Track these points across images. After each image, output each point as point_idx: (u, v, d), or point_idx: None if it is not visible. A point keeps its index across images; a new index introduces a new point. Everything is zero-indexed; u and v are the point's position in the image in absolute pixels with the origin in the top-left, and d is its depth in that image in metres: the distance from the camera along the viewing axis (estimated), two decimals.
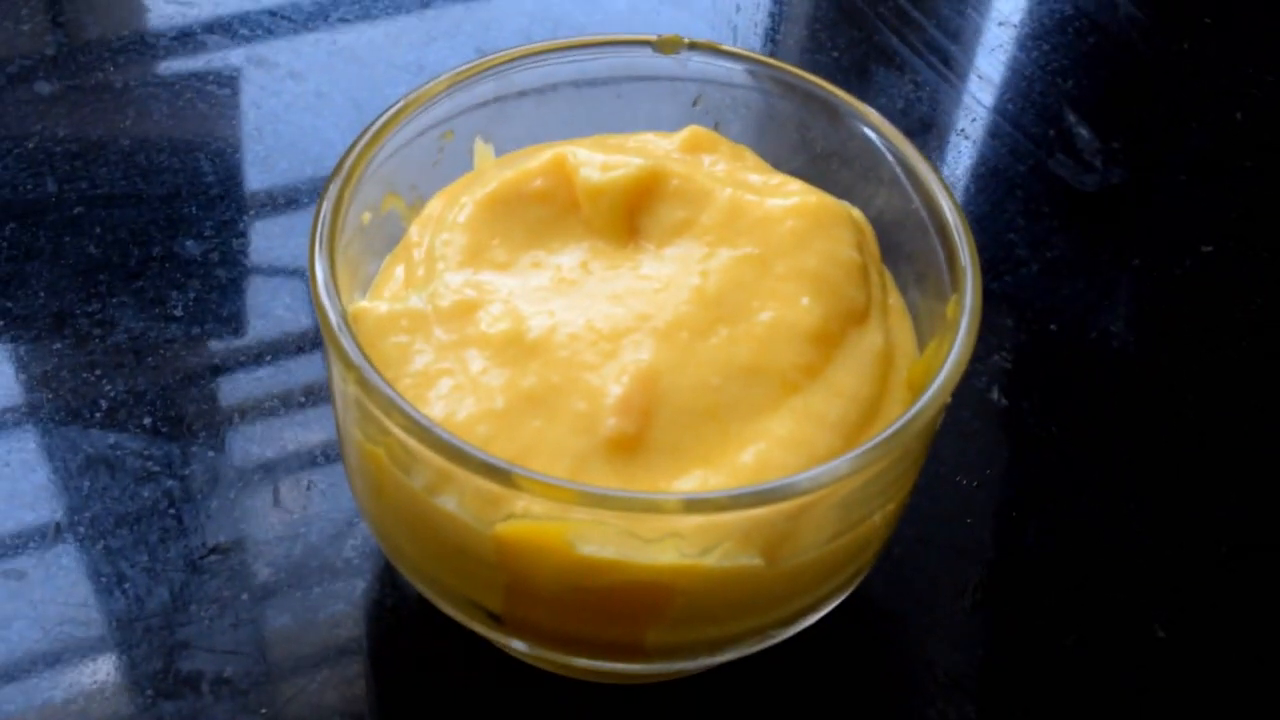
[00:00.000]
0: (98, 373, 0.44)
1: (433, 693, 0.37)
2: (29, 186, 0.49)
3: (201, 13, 0.56)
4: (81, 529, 0.40)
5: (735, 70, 0.39)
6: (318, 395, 0.44)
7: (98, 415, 0.42)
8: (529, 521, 0.29)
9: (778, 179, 0.36)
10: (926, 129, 0.55)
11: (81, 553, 0.39)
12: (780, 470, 0.30)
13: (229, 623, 0.38)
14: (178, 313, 0.45)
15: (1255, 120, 0.56)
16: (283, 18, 0.57)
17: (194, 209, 0.49)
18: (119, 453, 0.41)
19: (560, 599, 0.31)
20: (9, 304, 0.45)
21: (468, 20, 0.58)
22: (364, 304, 0.33)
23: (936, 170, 0.35)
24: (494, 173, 0.36)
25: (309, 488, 0.41)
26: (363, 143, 0.34)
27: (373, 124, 0.35)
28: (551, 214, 0.35)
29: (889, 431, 0.29)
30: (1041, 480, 0.43)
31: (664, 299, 0.33)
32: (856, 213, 0.36)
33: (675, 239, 0.34)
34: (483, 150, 0.38)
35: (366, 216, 0.35)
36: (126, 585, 0.39)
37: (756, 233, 0.34)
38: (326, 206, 0.33)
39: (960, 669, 0.39)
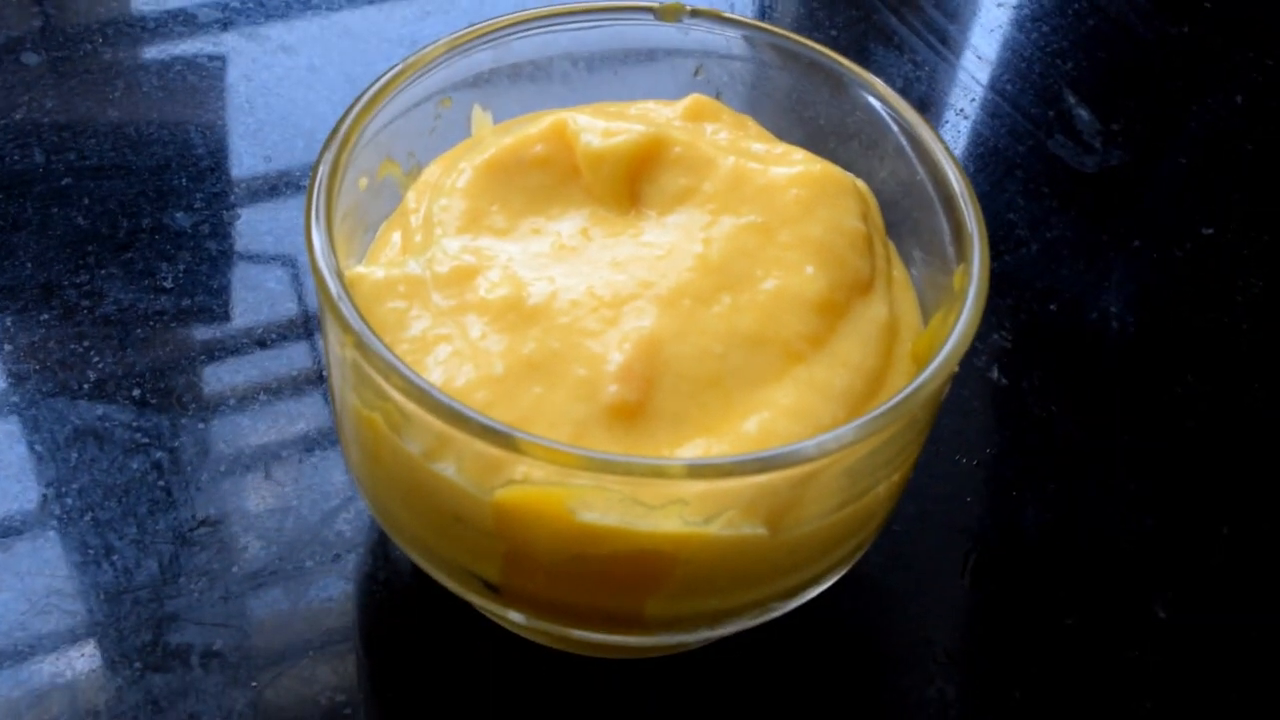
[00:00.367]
0: (86, 344, 0.43)
1: (424, 667, 0.37)
2: (16, 158, 0.48)
3: None
4: (69, 501, 0.39)
5: (736, 40, 0.38)
6: (309, 368, 0.43)
7: (86, 387, 0.42)
8: (529, 487, 0.28)
9: (781, 148, 0.36)
10: (925, 108, 0.54)
11: (69, 525, 0.39)
12: (784, 439, 0.30)
13: (219, 595, 0.37)
14: (167, 285, 0.45)
15: (1255, 103, 0.56)
16: None
17: (184, 181, 0.48)
18: (107, 424, 0.41)
19: (559, 568, 0.30)
20: None
21: None
22: (361, 269, 0.33)
23: (942, 140, 0.35)
24: (493, 139, 0.35)
25: (300, 461, 0.41)
26: (358, 108, 0.34)
27: (369, 89, 0.34)
28: (551, 180, 0.34)
29: (896, 399, 0.29)
30: (1041, 459, 0.43)
31: (666, 266, 0.32)
32: (861, 183, 0.36)
33: (677, 206, 0.34)
34: (481, 117, 0.38)
35: (363, 182, 0.35)
36: (115, 557, 0.38)
37: (760, 201, 0.33)
38: (323, 171, 0.32)
39: (959, 647, 0.38)
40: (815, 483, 0.29)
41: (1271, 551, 0.41)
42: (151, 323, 0.44)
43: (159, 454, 0.40)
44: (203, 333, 0.44)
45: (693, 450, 0.30)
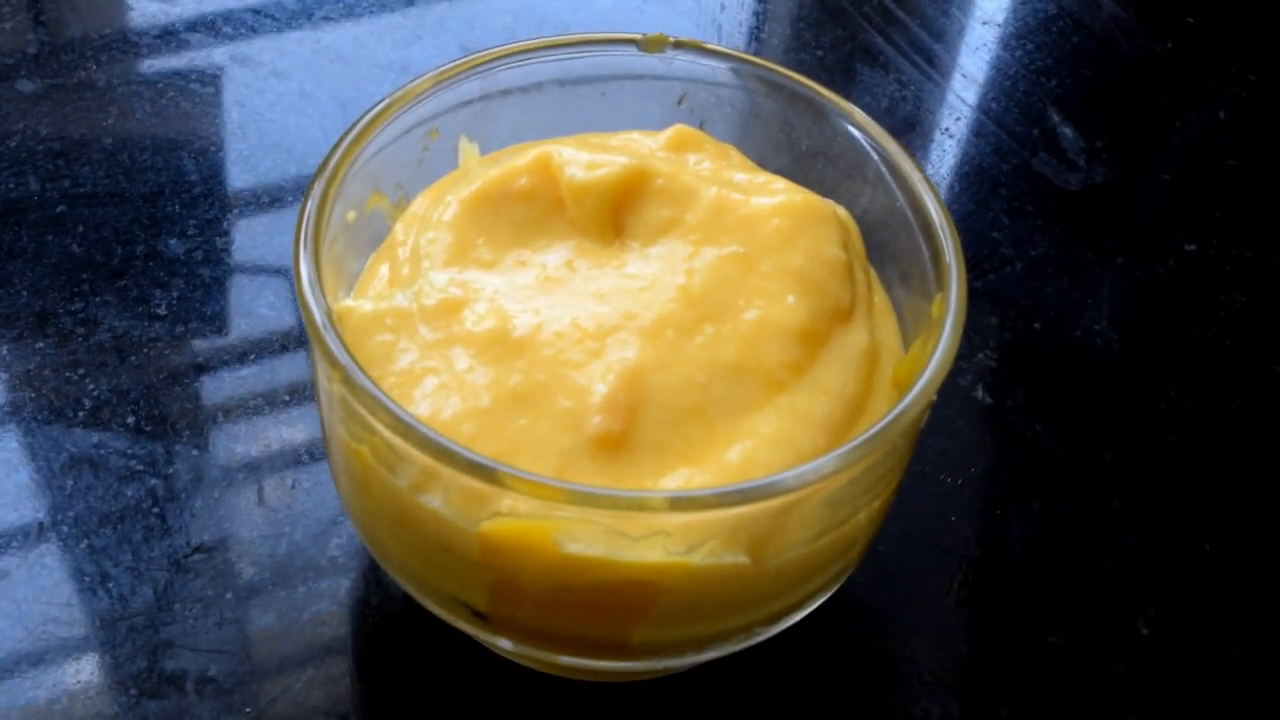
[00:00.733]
0: (81, 372, 0.43)
1: (418, 691, 0.37)
2: (11, 185, 0.49)
3: (184, 11, 0.56)
4: (65, 528, 0.40)
5: (720, 69, 0.39)
6: (302, 394, 0.43)
7: (81, 414, 0.42)
8: (514, 520, 0.29)
9: (763, 178, 0.36)
10: (911, 128, 0.55)
11: (65, 552, 0.39)
12: (766, 468, 0.30)
13: (213, 622, 0.38)
14: (161, 311, 0.45)
15: (1238, 119, 0.57)
16: (266, 16, 0.56)
17: (177, 207, 0.49)
18: (102, 452, 0.41)
19: (546, 597, 0.31)
20: None
21: (452, 18, 0.58)
22: (349, 303, 0.33)
23: (921, 169, 0.35)
24: (479, 171, 0.36)
25: (293, 486, 0.41)
26: (347, 141, 0.34)
27: (357, 122, 0.35)
28: (536, 213, 0.35)
29: (874, 429, 0.29)
30: (1026, 478, 0.43)
31: (649, 297, 0.33)
32: (842, 211, 0.36)
33: (660, 238, 0.34)
34: (468, 149, 0.38)
35: (351, 215, 0.35)
36: (110, 584, 0.38)
37: (742, 231, 0.34)
38: (311, 205, 0.33)
39: (944, 667, 0.39)
40: (796, 512, 0.30)
41: (1254, 568, 0.42)
42: (146, 349, 0.44)
43: (154, 481, 0.41)
44: (197, 359, 0.44)
45: (676, 479, 0.30)
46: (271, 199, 0.50)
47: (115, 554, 0.39)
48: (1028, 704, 0.38)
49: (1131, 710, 0.38)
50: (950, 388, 0.45)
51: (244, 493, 0.41)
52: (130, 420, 0.42)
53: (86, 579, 0.39)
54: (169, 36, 0.55)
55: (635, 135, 0.38)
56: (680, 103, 0.39)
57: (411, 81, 0.36)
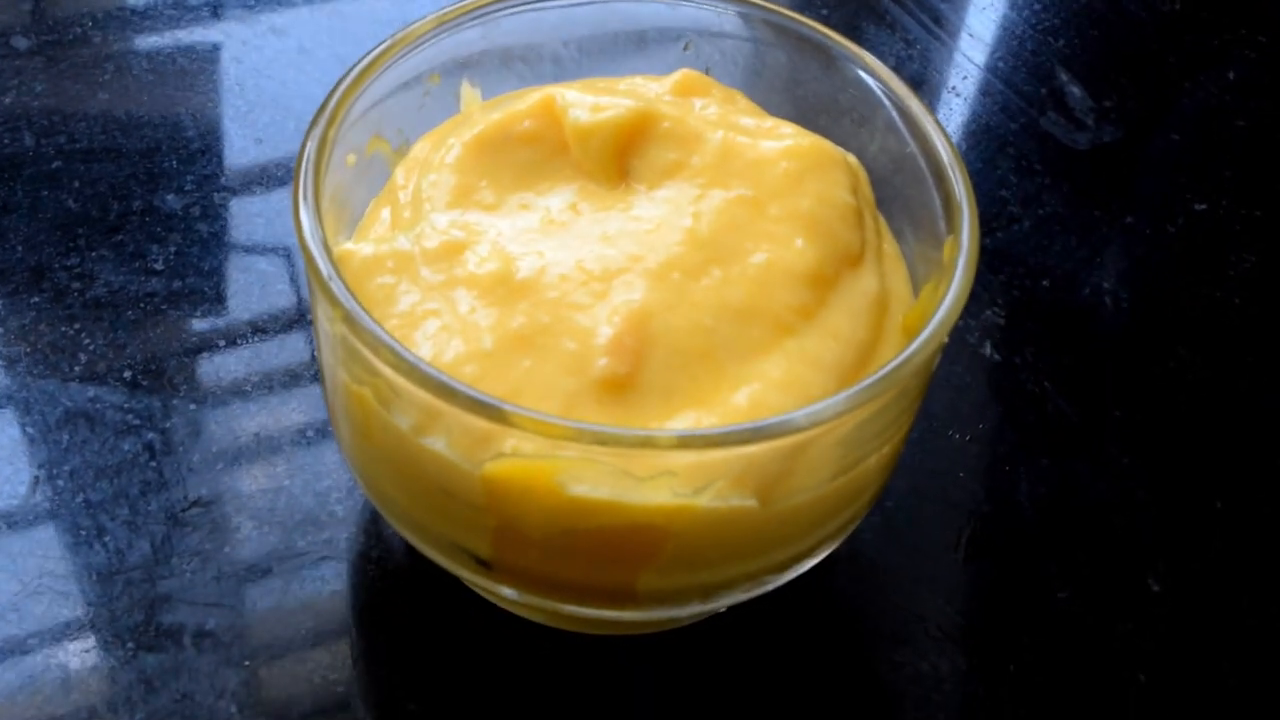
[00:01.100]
0: (76, 326, 0.43)
1: (418, 646, 0.37)
2: (5, 141, 0.48)
3: None
4: (61, 482, 0.39)
5: (726, 15, 0.38)
6: (300, 349, 0.43)
7: (76, 369, 0.42)
8: (519, 460, 0.28)
9: (770, 122, 0.35)
10: (918, 87, 0.54)
11: (61, 507, 0.39)
12: (774, 411, 0.30)
13: (211, 576, 0.37)
14: (158, 267, 0.45)
15: (1247, 79, 0.56)
16: None
17: (174, 163, 0.48)
18: (98, 406, 0.41)
19: (550, 542, 0.30)
20: None
21: None
22: (349, 245, 0.33)
23: (932, 112, 0.35)
24: (481, 115, 0.35)
25: (292, 441, 0.40)
26: (346, 83, 0.34)
27: (356, 65, 0.34)
28: (540, 156, 0.34)
29: (886, 369, 0.29)
30: (1034, 435, 0.43)
31: (655, 240, 0.32)
32: (851, 157, 0.36)
33: (666, 181, 0.34)
34: (470, 93, 0.38)
35: (351, 159, 0.35)
36: (107, 538, 0.38)
37: (749, 175, 0.33)
38: (311, 148, 0.32)
39: (952, 622, 0.38)
40: (806, 454, 0.29)
41: (1263, 525, 0.41)
42: (142, 305, 0.44)
43: (150, 435, 0.40)
44: (193, 314, 0.44)
45: (683, 422, 0.30)
46: (269, 155, 0.49)
47: (112, 508, 0.39)
48: (1036, 659, 0.38)
49: (1141, 666, 0.38)
50: (959, 344, 0.45)
51: (242, 448, 0.40)
52: (126, 375, 0.42)
53: (83, 533, 0.38)
54: None
55: (640, 80, 0.37)
56: (685, 49, 0.39)
57: (413, 24, 0.35)
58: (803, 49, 0.37)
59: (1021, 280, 0.47)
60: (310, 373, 0.42)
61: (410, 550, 0.37)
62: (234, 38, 0.53)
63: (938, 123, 0.34)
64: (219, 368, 0.42)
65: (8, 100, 0.49)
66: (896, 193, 0.36)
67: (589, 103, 0.34)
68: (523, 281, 0.31)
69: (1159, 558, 0.40)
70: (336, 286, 0.29)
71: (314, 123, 0.33)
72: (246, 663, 0.36)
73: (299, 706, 0.35)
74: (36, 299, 0.43)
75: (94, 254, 0.45)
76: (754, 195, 0.33)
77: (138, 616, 0.36)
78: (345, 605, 0.37)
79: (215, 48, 0.53)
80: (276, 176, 0.48)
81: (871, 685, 0.37)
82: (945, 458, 0.42)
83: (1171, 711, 0.37)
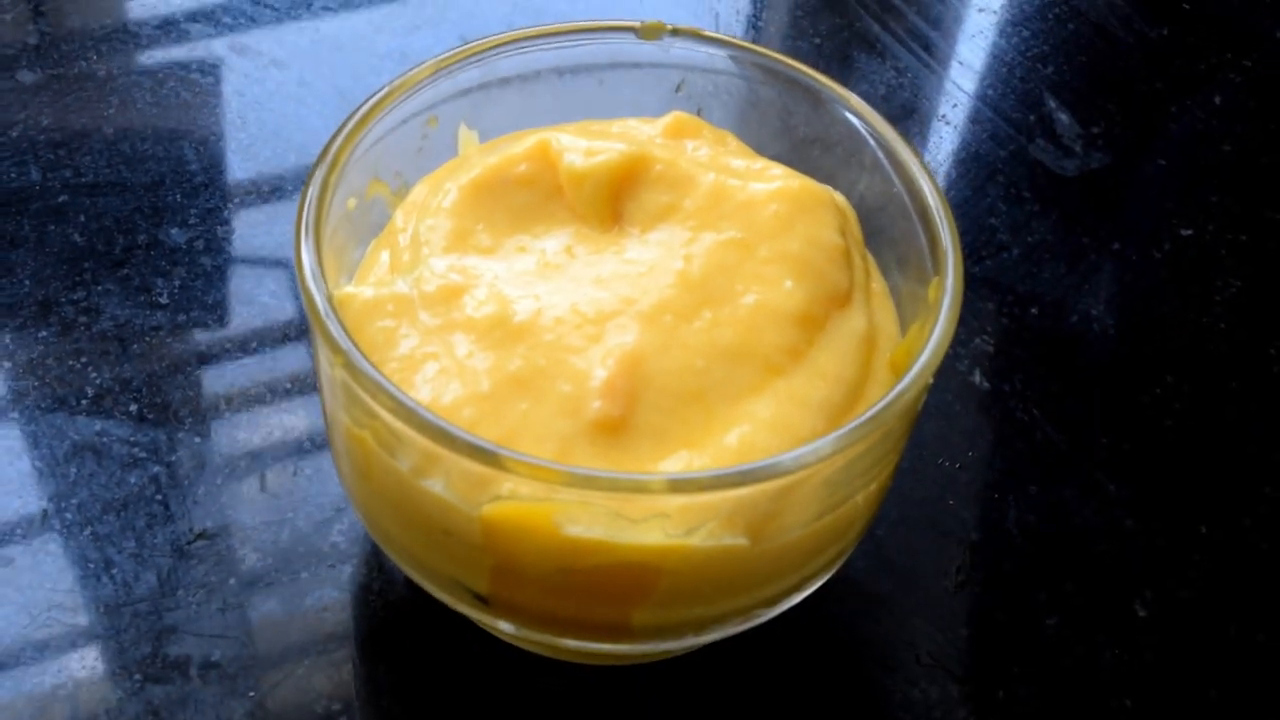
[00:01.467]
0: (83, 360, 0.44)
1: (420, 676, 0.37)
2: (13, 175, 0.49)
3: (184, 1, 0.56)
4: (68, 515, 0.40)
5: (718, 56, 0.39)
6: (303, 381, 0.44)
7: (84, 402, 0.43)
8: (515, 503, 0.29)
9: (760, 164, 0.36)
10: (908, 115, 0.55)
11: (68, 539, 0.39)
12: (764, 452, 0.30)
13: (216, 607, 0.38)
14: (163, 300, 0.46)
15: (1233, 104, 0.57)
16: (265, 6, 0.57)
17: (178, 197, 0.49)
18: (105, 439, 0.42)
19: (547, 580, 0.31)
20: None
21: (451, 8, 0.58)
22: (349, 289, 0.34)
23: (918, 154, 0.36)
24: (478, 159, 0.36)
25: (295, 473, 0.41)
26: (348, 129, 0.35)
27: (357, 110, 0.35)
28: (535, 199, 0.35)
29: (871, 412, 0.30)
30: (1023, 462, 0.44)
31: (648, 283, 0.33)
32: (839, 197, 0.37)
33: (659, 223, 0.35)
34: (467, 136, 0.38)
35: (351, 203, 0.35)
36: (114, 571, 0.39)
37: (740, 217, 0.34)
38: (312, 193, 0.33)
39: (943, 649, 0.39)
40: (794, 494, 0.30)
41: (1249, 551, 0.42)
42: (148, 338, 0.44)
43: (156, 468, 0.41)
44: (198, 346, 0.45)
45: (675, 463, 0.30)
46: (272, 188, 0.50)
47: (119, 541, 0.39)
48: (1026, 686, 0.38)
49: (1128, 692, 0.39)
50: (948, 373, 0.46)
51: (246, 480, 0.41)
52: (133, 408, 0.42)
53: (90, 566, 0.39)
54: (169, 26, 0.55)
55: (633, 122, 0.38)
56: (678, 90, 0.40)
57: (411, 69, 0.36)
58: (791, 89, 0.38)
59: (1010, 308, 0.48)
60: (313, 404, 0.43)
61: (410, 581, 0.38)
62: (236, 71, 0.54)
63: (924, 164, 0.35)
64: (222, 399, 0.43)
65: (14, 134, 0.50)
66: (884, 230, 0.37)
67: (583, 147, 0.35)
68: (519, 325, 0.32)
69: (1146, 585, 0.41)
70: (336, 331, 0.30)
71: (315, 166, 0.34)
72: (251, 693, 0.37)
73: None
74: (44, 333, 0.44)
75: (100, 288, 0.46)
76: (744, 237, 0.34)
77: (145, 648, 0.37)
78: (348, 635, 0.38)
79: (218, 81, 0.54)
80: (278, 208, 0.49)
81: (862, 712, 0.38)
82: (935, 485, 0.43)
83: None
